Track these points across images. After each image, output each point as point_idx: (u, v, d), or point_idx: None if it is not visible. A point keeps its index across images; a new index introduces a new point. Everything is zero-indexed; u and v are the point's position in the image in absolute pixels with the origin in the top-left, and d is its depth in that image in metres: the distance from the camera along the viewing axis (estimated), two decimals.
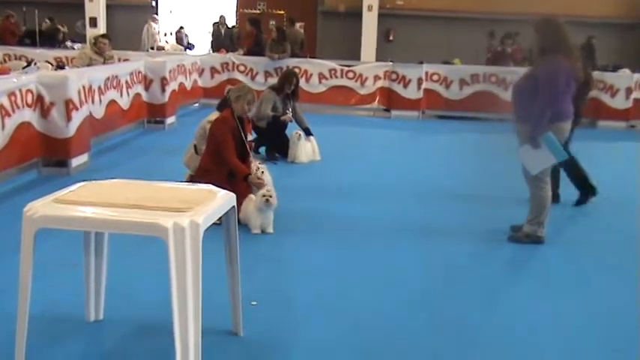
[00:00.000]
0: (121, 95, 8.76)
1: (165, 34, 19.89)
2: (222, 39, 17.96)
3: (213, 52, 16.73)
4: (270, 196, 5.13)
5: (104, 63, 9.38)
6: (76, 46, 15.04)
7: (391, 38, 19.86)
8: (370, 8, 19.03)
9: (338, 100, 12.88)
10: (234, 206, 3.25)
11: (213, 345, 3.28)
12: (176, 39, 19.52)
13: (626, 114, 12.57)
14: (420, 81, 12.58)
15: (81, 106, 7.12)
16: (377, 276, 4.45)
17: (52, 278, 3.89)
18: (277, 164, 7.83)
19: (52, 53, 13.15)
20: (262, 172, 5.69)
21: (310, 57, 14.72)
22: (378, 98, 12.88)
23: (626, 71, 13.56)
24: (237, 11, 21.24)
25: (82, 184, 3.20)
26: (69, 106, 6.80)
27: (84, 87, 7.26)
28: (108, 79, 8.27)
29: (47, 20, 17.58)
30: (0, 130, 5.93)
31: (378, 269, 4.58)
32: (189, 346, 2.78)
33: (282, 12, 20.09)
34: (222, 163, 5.44)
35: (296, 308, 3.87)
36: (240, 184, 5.28)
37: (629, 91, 12.53)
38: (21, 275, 2.86)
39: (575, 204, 6.50)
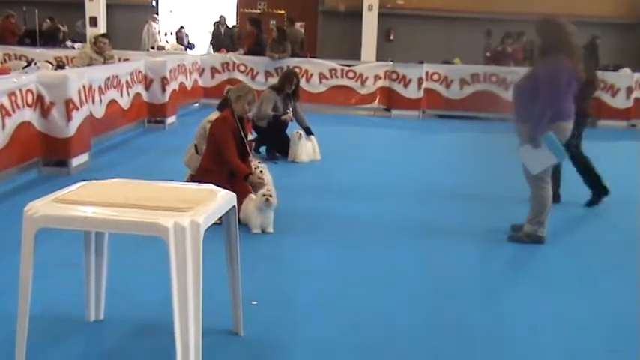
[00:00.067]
0: (122, 95, 8.76)
1: (166, 34, 19.87)
2: (223, 39, 17.95)
3: (214, 51, 16.72)
4: (270, 196, 5.13)
5: (104, 63, 9.38)
6: (77, 45, 15.04)
7: (391, 38, 19.86)
8: (370, 8, 19.02)
9: (338, 100, 12.88)
10: (234, 206, 3.25)
11: (214, 345, 3.28)
12: (176, 39, 19.51)
13: (626, 113, 12.58)
14: (420, 80, 12.58)
15: (81, 106, 7.12)
16: (377, 275, 4.45)
17: (52, 278, 3.89)
18: (277, 164, 7.83)
19: (53, 53, 13.13)
20: (261, 171, 5.69)
21: (310, 57, 14.73)
22: (378, 98, 12.88)
23: (627, 71, 13.55)
24: (237, 11, 21.25)
25: (82, 183, 3.20)
26: (69, 106, 6.80)
27: (84, 87, 7.26)
28: (108, 78, 8.26)
29: (47, 20, 17.60)
30: (0, 129, 5.93)
31: (379, 269, 4.58)
32: (189, 345, 2.78)
33: (282, 12, 20.09)
34: (222, 163, 5.44)
35: (296, 308, 3.87)
36: (240, 183, 5.28)
37: (629, 90, 12.54)
38: (21, 275, 2.86)
39: (587, 204, 6.45)
